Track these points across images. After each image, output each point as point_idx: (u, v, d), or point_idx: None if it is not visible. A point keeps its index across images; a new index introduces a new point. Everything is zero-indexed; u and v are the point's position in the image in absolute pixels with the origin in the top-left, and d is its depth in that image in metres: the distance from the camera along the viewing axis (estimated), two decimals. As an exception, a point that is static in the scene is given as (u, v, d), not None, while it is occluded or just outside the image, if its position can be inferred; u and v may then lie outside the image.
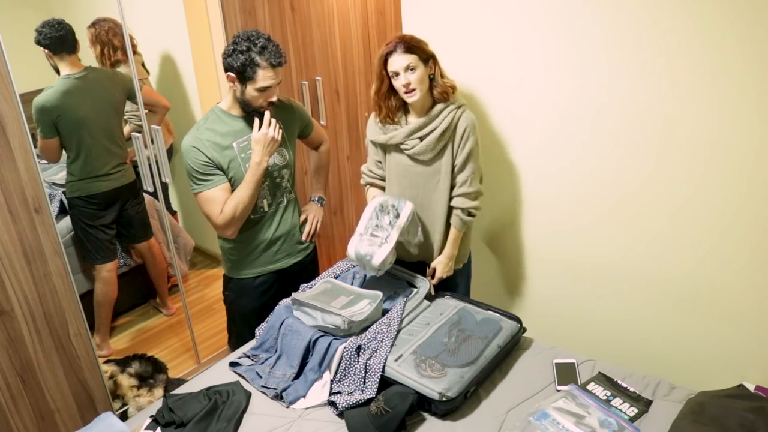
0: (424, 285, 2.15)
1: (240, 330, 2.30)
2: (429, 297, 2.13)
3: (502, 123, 2.33)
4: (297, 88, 3.10)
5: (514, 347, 1.96)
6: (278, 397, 1.84)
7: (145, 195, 3.19)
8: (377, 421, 1.63)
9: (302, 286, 2.18)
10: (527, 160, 2.32)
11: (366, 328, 1.94)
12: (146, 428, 1.74)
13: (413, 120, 2.07)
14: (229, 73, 1.96)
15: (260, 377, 1.91)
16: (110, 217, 2.88)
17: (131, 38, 2.80)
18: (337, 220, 3.55)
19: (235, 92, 2.01)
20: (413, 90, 1.97)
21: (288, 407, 1.81)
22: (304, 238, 2.30)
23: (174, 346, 3.12)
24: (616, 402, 1.70)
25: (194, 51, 3.19)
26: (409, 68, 1.95)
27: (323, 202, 2.43)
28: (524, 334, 2.02)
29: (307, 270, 2.33)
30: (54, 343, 2.18)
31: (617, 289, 2.25)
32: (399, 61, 1.95)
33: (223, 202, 2.03)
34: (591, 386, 1.77)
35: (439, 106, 2.03)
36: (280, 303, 2.12)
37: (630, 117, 2.01)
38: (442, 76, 2.03)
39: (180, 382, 2.34)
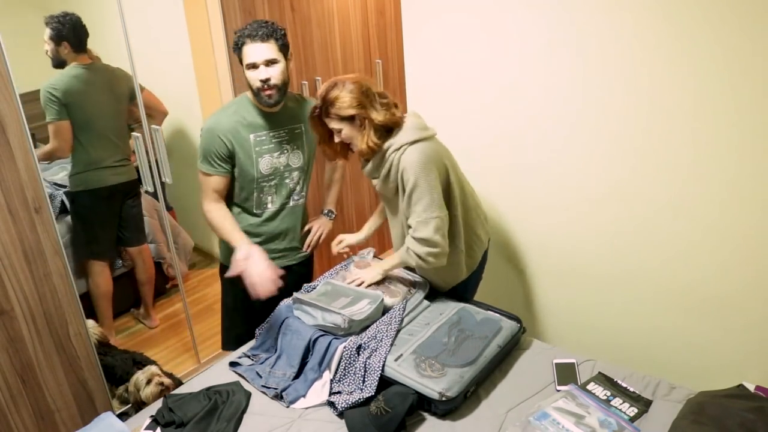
0: (423, 285, 2.15)
1: (232, 321, 2.32)
2: (429, 297, 2.13)
3: (503, 122, 2.33)
4: (297, 88, 3.10)
5: (514, 347, 1.96)
6: (278, 396, 1.84)
7: (146, 195, 3.19)
8: (377, 421, 1.63)
9: (305, 286, 2.18)
10: (529, 161, 2.32)
11: (366, 328, 1.94)
12: (146, 428, 1.74)
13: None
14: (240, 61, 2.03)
15: (260, 377, 1.91)
16: (111, 212, 2.88)
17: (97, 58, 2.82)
18: (337, 219, 3.55)
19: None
20: (350, 144, 1.98)
21: (288, 407, 1.81)
22: (305, 248, 2.32)
23: (174, 346, 3.12)
24: (616, 402, 1.70)
25: (194, 51, 3.19)
26: (335, 130, 1.94)
27: (332, 216, 2.43)
28: (524, 334, 2.02)
29: (298, 275, 2.33)
30: (54, 343, 2.18)
31: (617, 289, 2.25)
32: (327, 122, 1.95)
33: (211, 191, 2.10)
34: (591, 386, 1.77)
35: (380, 152, 1.93)
36: (280, 303, 2.13)
37: (634, 121, 2.01)
38: (367, 133, 1.89)
39: (180, 382, 2.34)
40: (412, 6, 2.40)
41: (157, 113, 2.92)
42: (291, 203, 2.22)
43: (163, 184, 2.77)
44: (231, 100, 2.16)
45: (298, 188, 2.22)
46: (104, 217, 2.86)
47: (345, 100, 1.87)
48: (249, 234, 2.16)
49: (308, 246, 2.33)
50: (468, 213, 2.07)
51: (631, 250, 2.16)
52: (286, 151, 2.15)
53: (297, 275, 2.33)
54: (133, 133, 2.65)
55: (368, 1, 3.42)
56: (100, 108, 2.71)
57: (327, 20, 3.17)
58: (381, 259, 2.27)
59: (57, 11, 2.70)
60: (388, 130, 1.93)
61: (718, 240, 1.96)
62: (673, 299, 2.12)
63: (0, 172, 1.94)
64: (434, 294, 2.16)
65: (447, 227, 1.94)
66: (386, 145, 1.91)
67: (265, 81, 1.99)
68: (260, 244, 2.17)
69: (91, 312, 2.88)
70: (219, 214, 2.12)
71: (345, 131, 1.92)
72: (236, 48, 2.00)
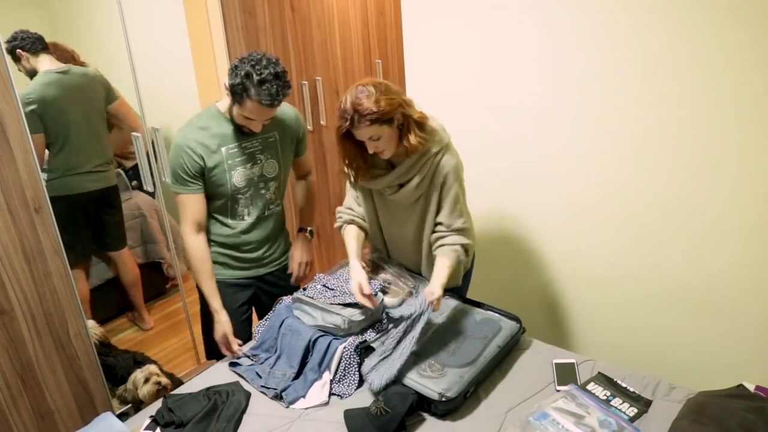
0: (424, 285, 2.14)
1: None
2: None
3: (504, 122, 2.33)
4: (297, 88, 3.10)
5: (513, 347, 1.96)
6: (278, 397, 1.84)
7: (145, 195, 3.19)
8: (377, 421, 1.63)
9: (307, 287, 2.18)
10: (530, 161, 2.32)
11: (366, 328, 1.94)
12: (146, 428, 1.74)
13: (397, 165, 1.91)
14: (226, 84, 1.89)
15: (260, 377, 1.91)
16: (86, 219, 2.82)
17: (72, 52, 2.75)
18: (337, 220, 3.55)
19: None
20: (383, 151, 1.83)
21: (287, 407, 1.81)
22: (292, 280, 2.27)
23: (174, 346, 3.12)
24: (616, 402, 1.70)
25: (194, 51, 3.19)
26: (372, 138, 1.79)
27: (313, 235, 2.34)
28: (524, 334, 2.02)
29: (281, 278, 2.29)
30: (54, 343, 2.18)
31: (617, 289, 2.25)
32: (360, 133, 1.78)
33: (190, 217, 2.02)
34: (591, 386, 1.77)
35: (416, 155, 1.85)
36: (279, 303, 2.12)
37: (634, 122, 2.01)
38: (411, 129, 1.80)
39: (180, 382, 2.34)
40: (412, 6, 2.40)
41: (124, 125, 2.82)
42: (267, 213, 2.16)
43: (162, 183, 2.77)
44: (198, 113, 2.04)
45: (274, 197, 2.15)
46: (80, 224, 2.78)
47: (383, 102, 1.73)
48: (224, 245, 2.13)
49: (296, 279, 2.27)
50: None
51: (631, 251, 2.16)
52: (259, 162, 2.06)
53: (277, 278, 2.28)
54: (133, 133, 2.65)
55: (368, 1, 3.42)
56: (76, 113, 2.63)
57: (327, 20, 3.17)
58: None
59: (57, 11, 2.70)
60: (420, 126, 1.85)
61: (719, 240, 1.96)
62: (673, 299, 2.12)
63: (0, 172, 1.94)
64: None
65: None
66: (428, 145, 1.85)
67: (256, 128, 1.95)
68: (237, 254, 2.15)
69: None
70: (201, 256, 2.04)
71: (385, 136, 1.78)
72: (236, 93, 1.84)
